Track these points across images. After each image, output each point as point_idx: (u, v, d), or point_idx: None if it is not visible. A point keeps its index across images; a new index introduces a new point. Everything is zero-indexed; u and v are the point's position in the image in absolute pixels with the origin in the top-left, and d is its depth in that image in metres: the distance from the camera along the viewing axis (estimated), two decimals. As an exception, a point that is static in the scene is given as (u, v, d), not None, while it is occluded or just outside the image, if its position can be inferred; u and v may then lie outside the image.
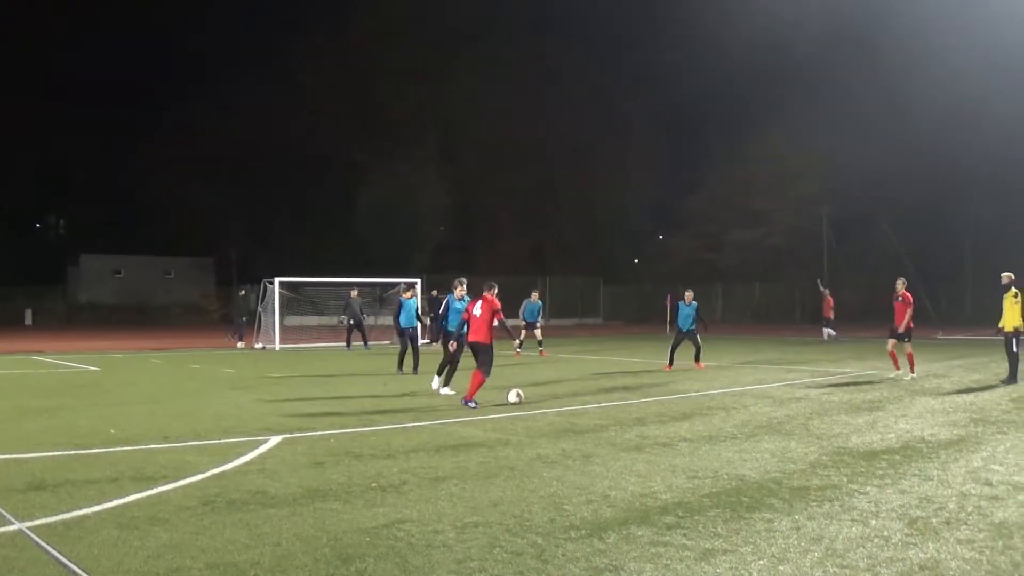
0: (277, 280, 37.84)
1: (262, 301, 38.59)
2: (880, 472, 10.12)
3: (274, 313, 37.46)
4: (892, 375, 22.58)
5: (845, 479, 9.75)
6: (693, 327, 25.12)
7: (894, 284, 22.29)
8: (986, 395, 18.07)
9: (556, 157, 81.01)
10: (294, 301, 42.24)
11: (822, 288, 43.17)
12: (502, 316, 16.76)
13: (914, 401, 17.01)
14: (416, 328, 24.40)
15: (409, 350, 23.85)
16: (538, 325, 32.57)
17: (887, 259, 62.99)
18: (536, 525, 7.88)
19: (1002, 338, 20.73)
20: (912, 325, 22.16)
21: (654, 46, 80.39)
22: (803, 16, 63.48)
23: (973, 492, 9.04)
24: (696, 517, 8.10)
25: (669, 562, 6.78)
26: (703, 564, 6.73)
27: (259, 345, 37.14)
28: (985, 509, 8.32)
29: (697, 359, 25.38)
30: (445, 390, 18.45)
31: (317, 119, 76.78)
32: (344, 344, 36.43)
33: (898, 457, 11.05)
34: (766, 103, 68.71)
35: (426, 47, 77.22)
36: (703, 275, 70.81)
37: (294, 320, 44.86)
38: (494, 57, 77.09)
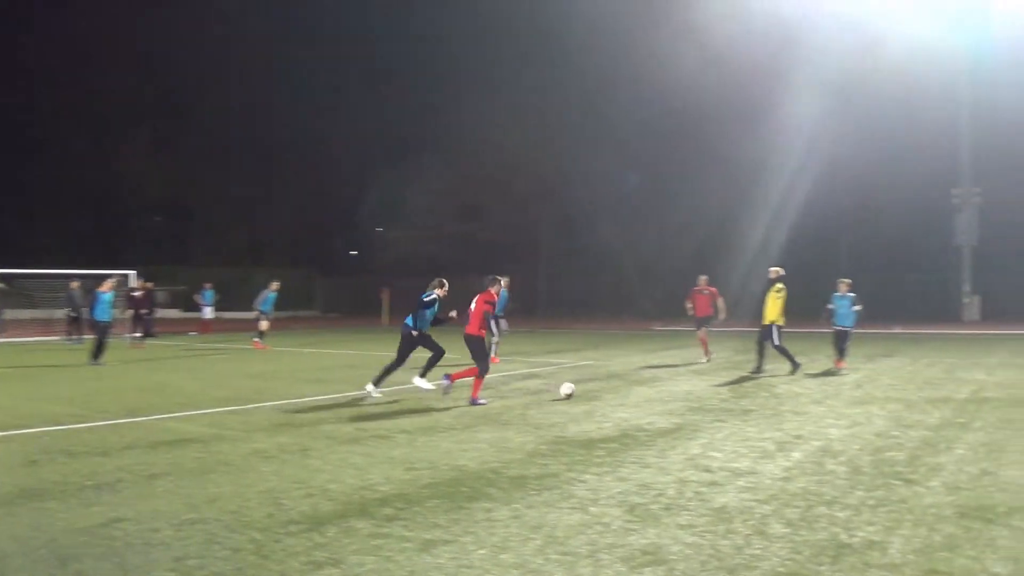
0: None
1: None
2: (598, 460, 10.42)
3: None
4: (703, 360, 24.43)
5: (564, 468, 9.99)
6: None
7: (696, 279, 24.95)
8: (703, 385, 18.83)
9: (275, 147, 79.63)
10: (7, 294, 39.85)
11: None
12: (492, 309, 17.15)
13: (631, 391, 17.61)
14: (108, 322, 24.23)
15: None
16: (266, 317, 32.23)
17: (608, 254, 65.13)
18: (254, 520, 7.82)
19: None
20: (710, 313, 24.41)
21: (388, 38, 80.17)
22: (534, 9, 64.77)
23: (692, 478, 9.41)
24: (416, 508, 8.16)
25: (390, 554, 6.81)
26: (424, 555, 6.79)
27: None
28: (705, 495, 8.67)
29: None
30: (424, 383, 17.60)
31: (30, 104, 72.96)
32: (66, 337, 34.99)
33: (616, 445, 11.39)
34: (481, 97, 69.57)
35: (143, 37, 74.51)
36: (422, 268, 71.25)
37: (8, 314, 42.28)
38: (219, 43, 75.19)
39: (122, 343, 33.13)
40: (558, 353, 27.91)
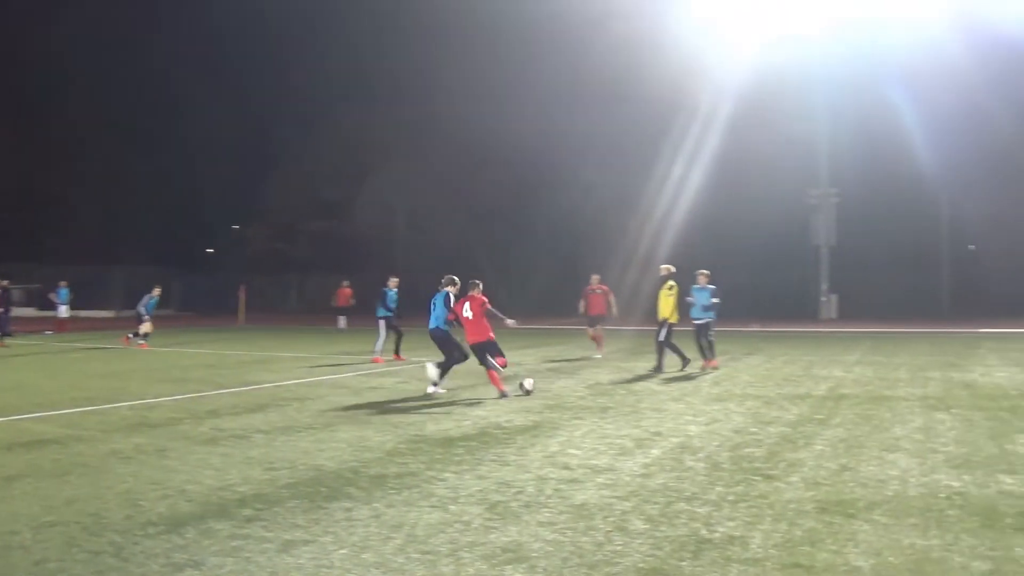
0: None
1: None
2: (457, 458, 10.48)
3: None
4: (597, 355, 25.32)
5: (423, 466, 10.03)
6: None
7: (589, 278, 26.11)
8: (561, 382, 19.00)
9: (127, 140, 77.69)
10: None
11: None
12: (489, 305, 17.26)
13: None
14: None
15: None
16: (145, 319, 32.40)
17: (465, 250, 65.25)
18: (113, 523, 7.71)
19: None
20: (604, 312, 25.51)
21: (228, 36, 79.02)
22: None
23: (552, 476, 9.50)
24: (275, 508, 8.13)
25: (250, 555, 6.78)
26: (284, 556, 6.78)
27: None
28: (564, 492, 8.77)
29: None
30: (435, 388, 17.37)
31: None
32: None
33: (475, 443, 11.47)
34: (336, 93, 69.30)
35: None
36: (278, 265, 70.51)
37: None
38: (72, 38, 73.42)
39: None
40: (416, 351, 27.87)
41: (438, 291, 17.62)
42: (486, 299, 17.30)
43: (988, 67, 47.77)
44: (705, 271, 21.89)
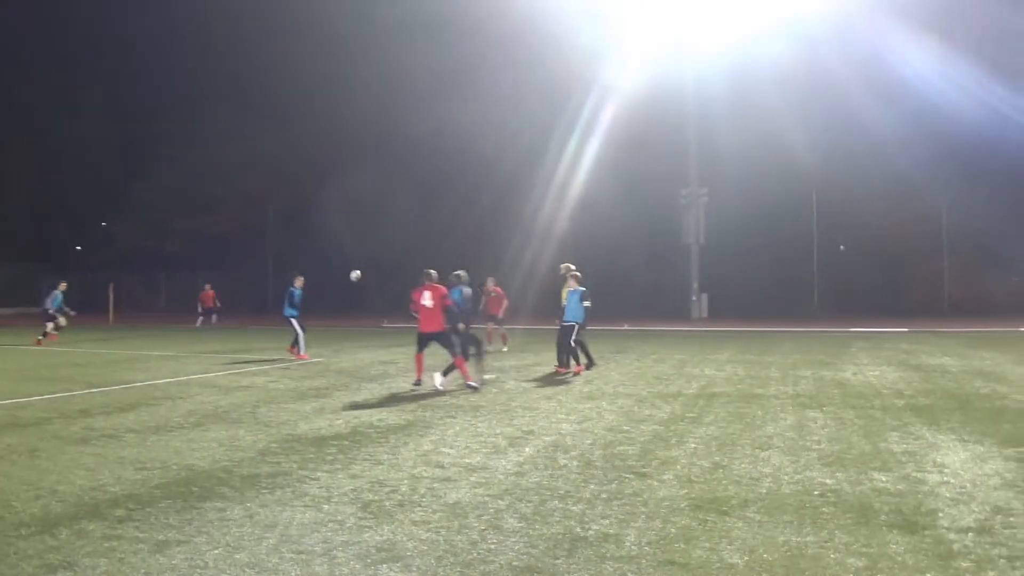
0: None
1: None
2: (330, 457, 10.53)
3: None
4: (504, 348, 27.34)
5: (295, 465, 10.07)
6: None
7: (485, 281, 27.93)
8: (430, 381, 18.99)
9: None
10: None
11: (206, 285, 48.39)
12: (449, 301, 17.89)
13: (361, 387, 17.73)
14: None
15: None
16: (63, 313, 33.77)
17: (336, 248, 64.90)
18: (-14, 524, 7.60)
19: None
20: (498, 312, 27.59)
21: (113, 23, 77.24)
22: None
23: (425, 474, 9.60)
24: (148, 509, 8.11)
25: (123, 555, 6.78)
26: (158, 556, 6.78)
27: None
28: (438, 491, 8.86)
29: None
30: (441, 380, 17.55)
31: None
32: None
33: (347, 442, 11.52)
34: (209, 94, 68.36)
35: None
36: (148, 263, 69.23)
37: None
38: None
39: None
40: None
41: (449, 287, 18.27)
42: (446, 291, 17.96)
43: (860, 68, 49.26)
44: (576, 273, 21.23)
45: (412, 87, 59.98)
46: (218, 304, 48.19)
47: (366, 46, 59.90)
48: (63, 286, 33.96)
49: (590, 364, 21.50)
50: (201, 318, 46.70)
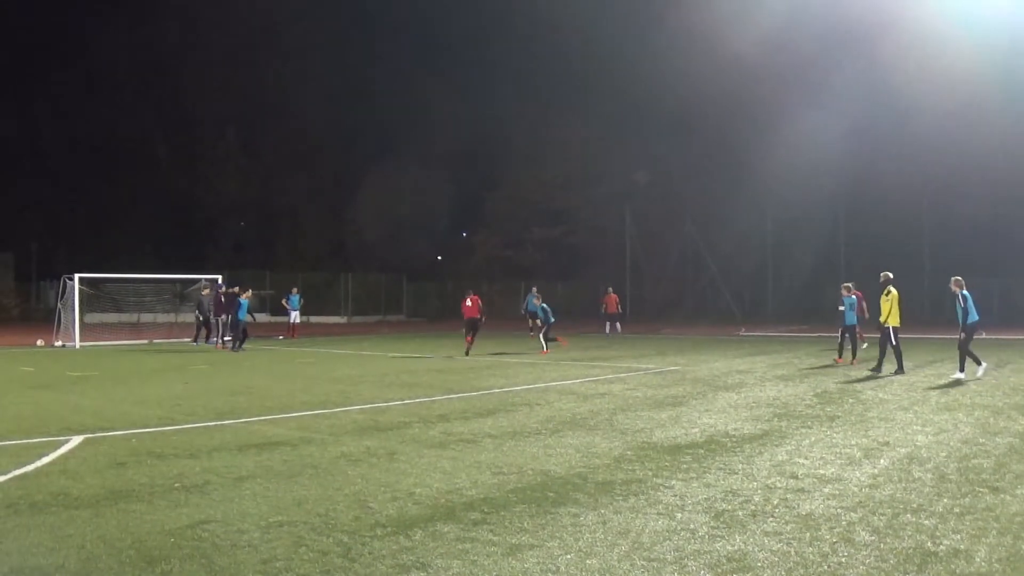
0: (77, 276, 36.49)
1: (62, 298, 37.18)
2: (685, 466, 10.42)
3: (74, 310, 36.17)
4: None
5: (650, 473, 10.01)
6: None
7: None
8: (790, 390, 18.69)
9: (358, 152, 79.92)
10: (94, 298, 40.95)
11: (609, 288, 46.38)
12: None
13: (717, 396, 17.53)
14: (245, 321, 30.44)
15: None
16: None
17: (690, 257, 64.93)
18: (342, 523, 7.91)
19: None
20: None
21: (464, 45, 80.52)
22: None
23: (779, 485, 9.37)
24: (502, 513, 8.24)
25: (476, 558, 6.89)
26: (510, 559, 6.86)
27: (59, 343, 35.69)
28: (791, 501, 8.64)
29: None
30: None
31: (116, 111, 74.74)
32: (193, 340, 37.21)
33: (702, 451, 11.38)
34: (566, 101, 69.62)
35: (229, 41, 75.60)
36: (505, 272, 71.30)
37: (94, 317, 43.22)
38: (296, 50, 76.49)
39: (208, 346, 34.04)
40: (643, 358, 27.82)
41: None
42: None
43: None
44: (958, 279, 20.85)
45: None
46: (620, 309, 45.07)
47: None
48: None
49: (899, 370, 22.01)
50: (608, 324, 43.94)
